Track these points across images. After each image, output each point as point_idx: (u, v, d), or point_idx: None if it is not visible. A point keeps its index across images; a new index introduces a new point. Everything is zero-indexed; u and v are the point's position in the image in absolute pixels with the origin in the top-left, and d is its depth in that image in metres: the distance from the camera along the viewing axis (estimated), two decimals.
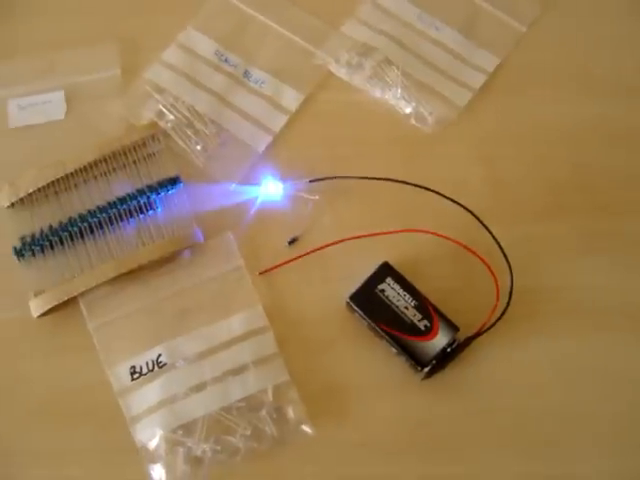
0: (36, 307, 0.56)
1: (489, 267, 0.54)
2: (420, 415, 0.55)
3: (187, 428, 0.53)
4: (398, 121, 0.64)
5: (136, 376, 0.55)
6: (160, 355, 0.55)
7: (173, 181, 0.59)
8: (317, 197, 0.61)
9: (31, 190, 0.58)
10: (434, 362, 0.53)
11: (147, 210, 0.59)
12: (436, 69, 0.66)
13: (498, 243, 0.55)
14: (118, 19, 0.67)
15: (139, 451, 0.53)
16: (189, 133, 0.62)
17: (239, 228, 0.60)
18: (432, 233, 0.56)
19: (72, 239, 0.57)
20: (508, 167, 0.63)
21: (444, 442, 0.54)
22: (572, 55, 0.68)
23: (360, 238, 0.57)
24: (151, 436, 0.53)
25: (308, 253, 0.58)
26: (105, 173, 0.60)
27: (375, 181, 0.59)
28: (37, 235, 0.58)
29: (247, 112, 0.64)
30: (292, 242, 0.59)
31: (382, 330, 0.54)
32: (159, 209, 0.59)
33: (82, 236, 0.58)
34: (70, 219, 0.58)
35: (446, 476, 0.54)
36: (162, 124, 0.62)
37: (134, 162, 0.60)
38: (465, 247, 0.55)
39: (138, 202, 0.58)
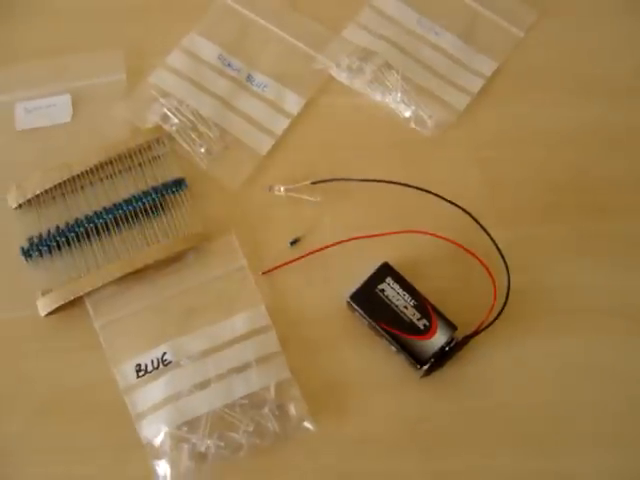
0: (43, 306, 0.56)
1: (487, 268, 0.55)
2: (419, 412, 0.56)
3: (191, 425, 0.54)
4: (398, 124, 0.65)
5: (141, 374, 0.55)
6: (165, 353, 0.56)
7: (178, 183, 0.60)
8: (318, 199, 0.61)
9: (38, 192, 0.59)
10: (433, 360, 0.54)
11: (152, 211, 0.59)
12: (435, 73, 0.67)
13: (496, 244, 0.56)
14: (123, 25, 0.68)
15: (144, 447, 0.54)
16: (193, 136, 0.63)
17: (242, 229, 0.60)
18: (431, 234, 0.57)
19: (78, 239, 0.58)
20: (506, 170, 0.63)
21: (443, 438, 0.55)
22: (568, 59, 0.68)
23: (360, 239, 0.58)
24: (156, 432, 0.54)
25: (310, 254, 0.59)
26: (111, 175, 0.61)
27: (375, 183, 0.60)
28: (44, 236, 0.59)
29: (250, 116, 0.65)
30: (294, 243, 0.60)
31: (382, 329, 0.55)
32: (164, 210, 0.60)
33: (88, 237, 0.58)
34: (76, 220, 0.59)
35: (445, 471, 0.55)
36: (167, 127, 0.63)
37: (139, 164, 0.61)
38: (463, 248, 0.56)
39: (143, 203, 0.59)
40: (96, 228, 0.59)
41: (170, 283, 0.58)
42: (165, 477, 0.53)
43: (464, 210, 0.57)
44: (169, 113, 0.63)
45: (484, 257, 0.56)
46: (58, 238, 0.58)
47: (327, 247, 0.58)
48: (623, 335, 0.58)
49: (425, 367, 0.54)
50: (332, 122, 0.65)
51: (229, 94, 0.65)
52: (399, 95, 0.65)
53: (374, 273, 0.56)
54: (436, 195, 0.58)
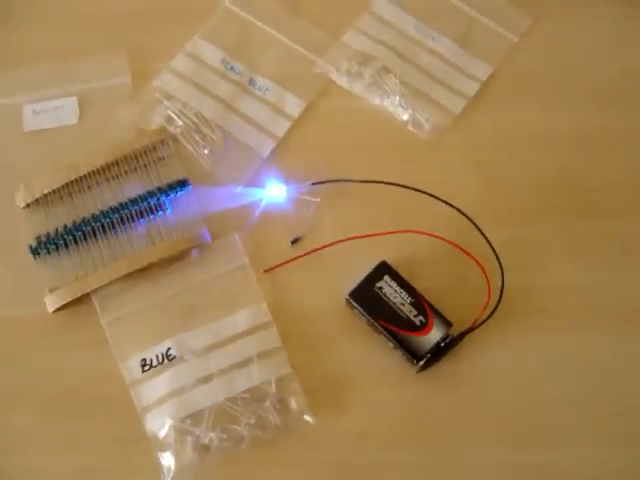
0: (51, 303, 0.57)
1: (482, 267, 0.56)
2: (416, 406, 0.57)
3: (195, 418, 0.55)
4: (396, 127, 0.66)
5: (147, 368, 0.56)
6: (169, 349, 0.57)
7: (182, 183, 0.61)
8: (319, 199, 0.62)
9: (46, 191, 0.60)
10: (429, 356, 0.55)
11: (157, 211, 0.61)
12: (432, 77, 0.68)
13: (490, 244, 0.57)
14: (129, 29, 0.69)
15: (149, 440, 0.55)
16: (197, 138, 0.64)
17: (244, 228, 0.61)
18: (428, 234, 0.58)
19: (85, 238, 0.59)
20: (501, 171, 0.64)
21: (439, 431, 0.56)
22: (562, 63, 0.69)
23: (359, 238, 0.59)
24: (161, 425, 0.55)
25: (310, 252, 0.60)
26: (117, 176, 0.62)
27: (374, 184, 0.60)
28: (52, 234, 0.60)
29: (252, 118, 0.66)
30: (295, 242, 0.61)
31: (380, 325, 0.56)
32: (168, 210, 0.61)
33: (95, 235, 0.59)
34: (84, 219, 0.60)
35: (441, 463, 0.56)
36: (171, 129, 0.64)
37: (144, 165, 0.62)
38: (459, 248, 0.57)
39: (148, 203, 0.60)
40: (102, 227, 0.60)
41: (174, 281, 0.59)
42: (169, 468, 0.54)
43: (460, 211, 0.58)
44: (173, 115, 0.64)
45: (479, 257, 0.57)
46: (65, 236, 0.59)
47: (327, 246, 0.59)
48: (616, 334, 0.59)
49: (421, 362, 0.55)
50: (332, 125, 0.66)
51: (232, 97, 0.66)
52: (397, 99, 0.66)
53: (372, 271, 0.57)
54: (433, 196, 0.59)
